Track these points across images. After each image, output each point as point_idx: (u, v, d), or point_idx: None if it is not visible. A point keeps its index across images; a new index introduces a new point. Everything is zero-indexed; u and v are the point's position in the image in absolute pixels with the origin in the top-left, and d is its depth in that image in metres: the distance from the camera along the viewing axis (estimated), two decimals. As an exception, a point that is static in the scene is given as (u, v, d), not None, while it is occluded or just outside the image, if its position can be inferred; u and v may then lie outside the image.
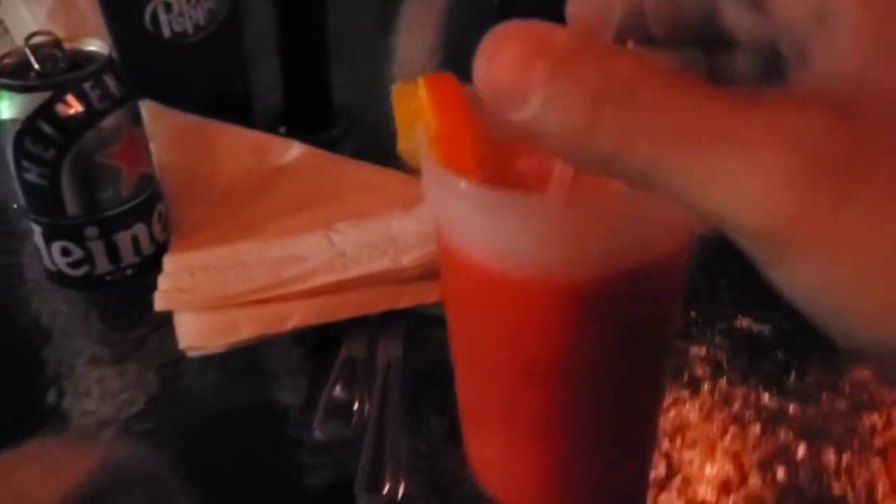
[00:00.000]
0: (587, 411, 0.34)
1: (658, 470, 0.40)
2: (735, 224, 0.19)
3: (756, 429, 0.41)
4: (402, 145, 0.33)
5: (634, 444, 0.37)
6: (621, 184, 0.20)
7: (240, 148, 0.57)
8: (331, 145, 0.63)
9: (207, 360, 0.47)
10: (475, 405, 0.36)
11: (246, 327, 0.46)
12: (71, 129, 0.46)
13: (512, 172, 0.35)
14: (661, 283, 0.32)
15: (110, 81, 0.47)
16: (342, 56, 0.68)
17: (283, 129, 0.66)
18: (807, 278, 0.18)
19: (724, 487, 0.39)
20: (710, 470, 0.40)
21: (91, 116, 0.46)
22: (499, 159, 0.34)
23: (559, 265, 0.29)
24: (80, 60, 0.47)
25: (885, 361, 0.19)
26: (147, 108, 0.58)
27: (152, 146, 0.55)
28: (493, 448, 0.37)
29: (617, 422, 0.35)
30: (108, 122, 0.47)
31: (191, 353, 0.46)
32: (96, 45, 0.48)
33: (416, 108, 0.32)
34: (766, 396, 0.43)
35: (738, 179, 0.18)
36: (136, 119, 0.49)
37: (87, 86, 0.46)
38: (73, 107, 0.45)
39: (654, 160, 0.19)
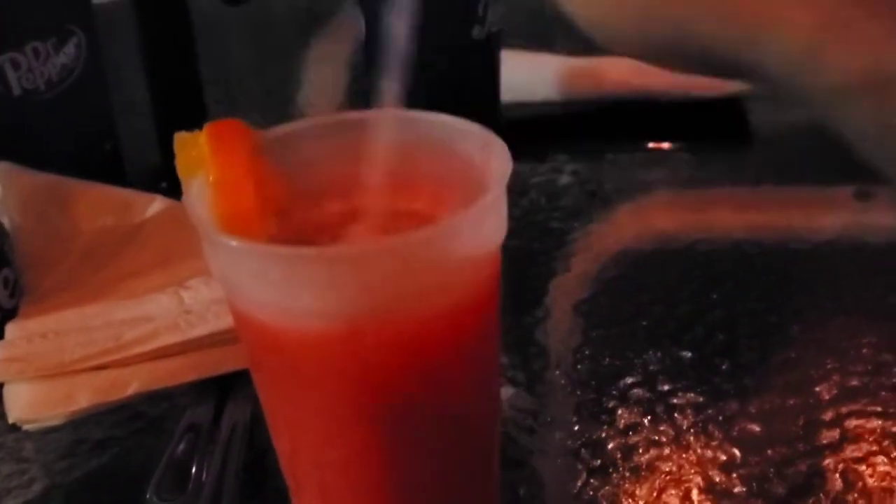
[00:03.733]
0: (404, 467, 0.32)
1: None
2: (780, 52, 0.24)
3: (625, 476, 0.39)
4: (185, 198, 0.31)
5: (470, 495, 0.35)
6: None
7: (100, 207, 0.55)
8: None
9: (46, 433, 0.44)
10: (290, 468, 0.34)
11: (82, 396, 0.43)
12: None
13: (318, 219, 0.33)
14: (462, 328, 0.30)
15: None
16: (221, 102, 0.66)
17: (164, 185, 0.63)
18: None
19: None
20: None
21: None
22: (303, 206, 0.33)
23: (345, 319, 0.27)
24: None
25: None
26: (2, 170, 0.55)
27: (4, 209, 0.53)
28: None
29: (443, 473, 0.32)
30: (-66, 188, 0.44)
31: (26, 427, 0.43)
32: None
33: (195, 157, 0.31)
34: (636, 440, 0.41)
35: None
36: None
37: None
38: None
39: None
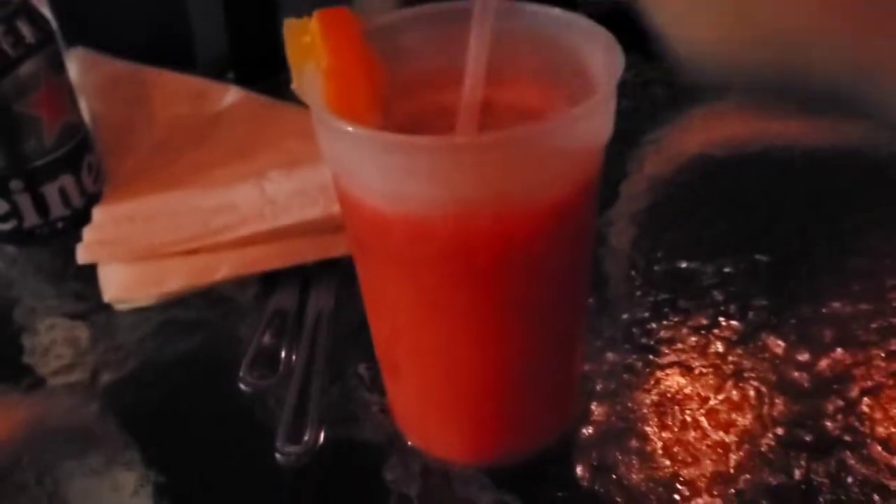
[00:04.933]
0: (499, 351, 0.33)
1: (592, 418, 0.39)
2: None
3: (689, 373, 0.40)
4: (297, 84, 0.31)
5: (554, 386, 0.36)
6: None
7: (175, 95, 0.56)
8: (277, 90, 0.61)
9: (138, 312, 0.46)
10: (386, 351, 0.35)
11: (173, 279, 0.45)
12: (-17, 78, 0.44)
13: (415, 111, 0.33)
14: (567, 219, 0.30)
15: (24, 27, 0.45)
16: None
17: (229, 75, 0.64)
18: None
19: (665, 440, 0.38)
20: (636, 414, 0.39)
21: (4, 64, 0.44)
22: (401, 98, 0.33)
23: (457, 206, 0.28)
24: (-10, 6, 0.45)
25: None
26: (78, 56, 0.56)
27: (83, 96, 0.54)
28: (407, 395, 0.36)
29: (532, 360, 0.34)
30: (25, 70, 0.45)
31: (118, 306, 0.45)
32: (9, -10, 0.46)
33: (306, 44, 0.31)
34: (701, 339, 0.42)
35: None
36: (57, 66, 0.48)
37: (-3, 32, 0.44)
38: (-17, 55, 0.44)
39: None
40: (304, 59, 0.31)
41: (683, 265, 0.46)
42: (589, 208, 0.31)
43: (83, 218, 0.50)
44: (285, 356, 0.42)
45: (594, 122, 0.29)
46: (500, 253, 0.29)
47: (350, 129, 0.28)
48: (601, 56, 0.30)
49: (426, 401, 0.35)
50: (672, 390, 0.40)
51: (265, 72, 0.65)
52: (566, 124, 0.27)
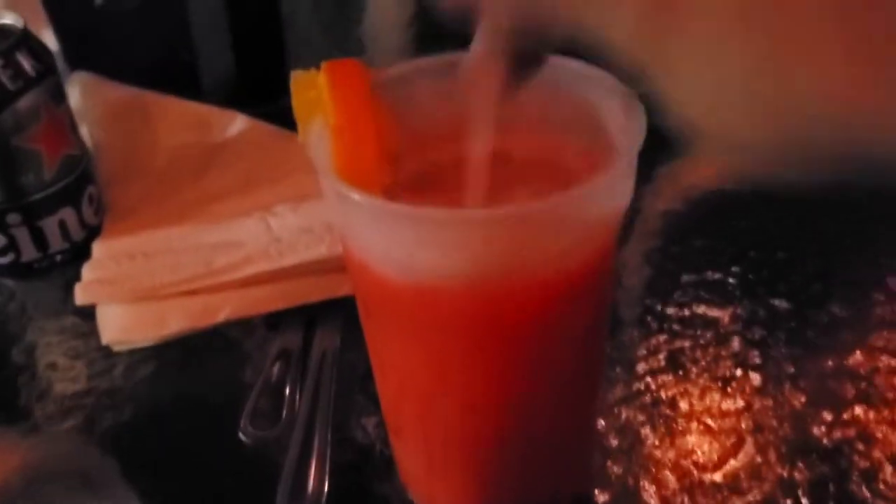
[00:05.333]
0: (509, 419, 0.31)
1: (597, 471, 0.37)
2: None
3: (708, 428, 0.39)
4: (303, 139, 0.30)
5: (566, 453, 0.35)
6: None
7: (179, 122, 0.55)
8: (285, 116, 0.60)
9: (138, 354, 0.45)
10: (393, 412, 0.34)
11: (174, 320, 0.43)
12: (-19, 112, 0.43)
13: (426, 164, 0.32)
14: (583, 287, 0.29)
15: (24, 59, 0.44)
16: (298, 22, 0.65)
17: (234, 99, 0.62)
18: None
19: (670, 492, 0.36)
20: (654, 473, 0.37)
21: (3, 98, 0.43)
22: (411, 151, 0.32)
23: (462, 277, 0.27)
24: (-11, 37, 0.44)
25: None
26: (80, 80, 0.55)
27: (85, 122, 0.52)
28: (412, 455, 0.35)
29: (542, 425, 0.32)
30: (24, 104, 0.44)
31: (116, 348, 0.44)
32: (9, 19, 0.45)
33: (313, 98, 0.29)
34: (719, 395, 0.41)
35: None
36: (58, 97, 0.46)
37: (-5, 66, 0.43)
38: (-19, 89, 0.42)
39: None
40: (310, 113, 0.30)
41: (700, 310, 0.45)
42: (605, 274, 0.30)
43: (83, 251, 0.48)
44: (288, 403, 0.41)
45: (615, 189, 0.27)
46: (512, 322, 0.28)
47: (356, 196, 0.26)
48: (621, 115, 0.29)
49: (432, 462, 0.34)
50: (688, 447, 0.38)
51: (271, 97, 0.64)
52: (585, 195, 0.26)
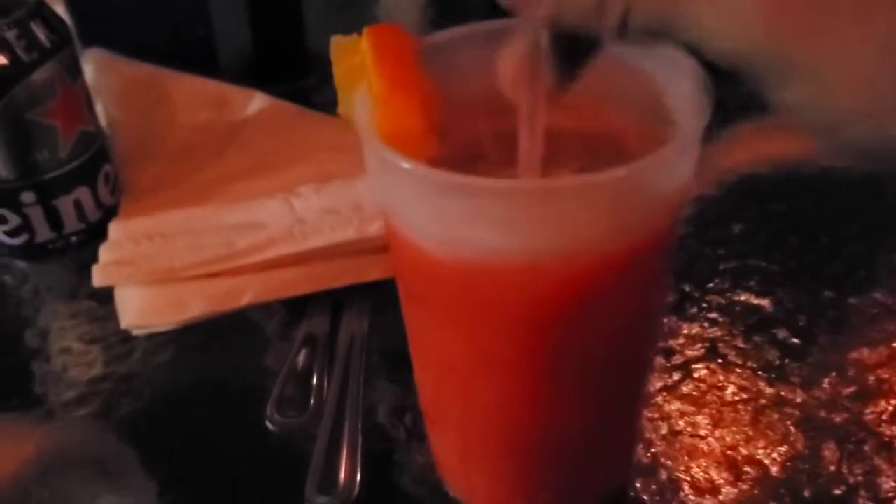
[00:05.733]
0: (554, 410, 0.30)
1: (639, 462, 0.36)
2: (732, 49, 0.22)
3: (751, 417, 0.37)
4: (343, 110, 0.28)
5: (610, 445, 0.33)
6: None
7: (197, 100, 0.53)
8: (304, 95, 0.58)
9: (157, 338, 0.43)
10: (431, 401, 0.32)
11: (195, 304, 0.42)
12: (-6, 84, 0.41)
13: (472, 138, 0.30)
14: (641, 269, 0.27)
15: (38, 30, 0.42)
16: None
17: (251, 78, 0.60)
18: (796, 94, 0.21)
19: (712, 484, 0.35)
20: (697, 464, 0.36)
21: (17, 70, 0.41)
22: (458, 123, 0.30)
23: (517, 255, 0.25)
24: (3, 6, 0.42)
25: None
26: (96, 58, 0.53)
27: (100, 100, 0.51)
28: (452, 449, 0.33)
29: (589, 420, 0.31)
30: (39, 76, 0.42)
31: (135, 332, 0.42)
32: (24, -11, 0.43)
33: (357, 65, 0.28)
34: (763, 381, 0.39)
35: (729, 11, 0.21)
36: (73, 71, 0.44)
37: (10, 35, 0.41)
38: (-5, 59, 0.41)
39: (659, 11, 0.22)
40: (353, 81, 0.28)
41: (740, 298, 0.43)
42: (666, 254, 0.28)
43: (99, 231, 0.47)
44: (316, 390, 0.39)
45: (681, 165, 0.26)
46: (566, 306, 0.26)
47: (406, 164, 0.25)
48: (686, 89, 0.27)
49: (471, 454, 0.32)
50: (731, 438, 0.37)
51: (290, 75, 0.62)
52: (653, 167, 0.24)
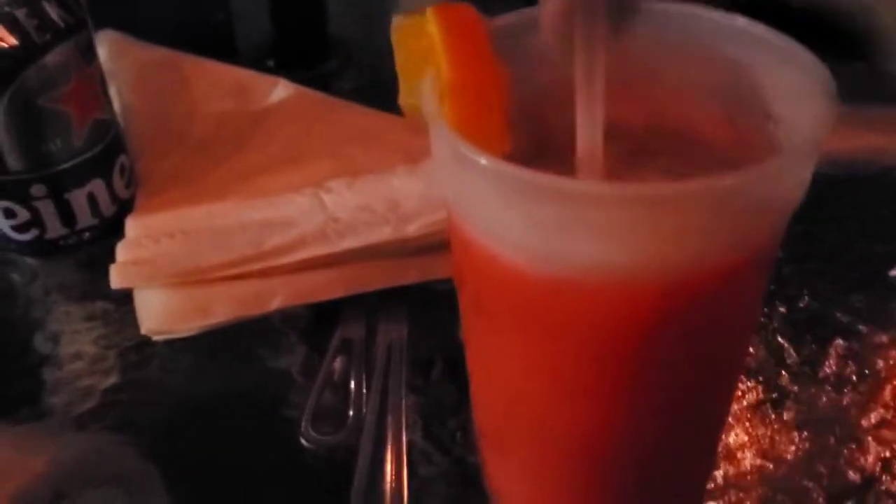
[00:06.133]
0: (634, 435, 0.27)
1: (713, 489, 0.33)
2: None
3: (832, 439, 0.35)
4: (406, 99, 0.25)
5: (690, 470, 0.30)
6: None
7: (217, 88, 0.49)
8: (325, 81, 0.55)
9: (177, 343, 0.40)
10: (492, 423, 0.29)
11: (221, 308, 0.38)
12: (4, 67, 0.38)
13: (541, 133, 0.27)
14: (742, 285, 0.24)
15: (52, 9, 0.39)
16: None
17: (270, 63, 0.57)
18: None
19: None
20: (769, 490, 0.33)
21: (29, 51, 0.38)
22: (525, 117, 0.27)
23: (617, 269, 0.22)
24: (14, -17, 0.39)
25: None
26: (109, 40, 0.50)
27: (113, 87, 0.47)
28: (515, 473, 0.30)
29: (670, 446, 0.28)
30: (52, 59, 0.39)
31: (156, 338, 0.39)
32: (35, -35, 0.40)
33: (423, 49, 0.24)
34: (848, 399, 0.36)
35: None
36: (88, 55, 0.41)
37: (20, 14, 0.37)
38: (5, 40, 0.37)
39: None
40: (418, 67, 0.25)
41: (814, 303, 0.40)
42: (765, 273, 0.25)
43: (114, 227, 0.43)
44: (354, 401, 0.36)
45: (799, 171, 0.22)
46: (664, 323, 0.23)
47: (487, 162, 0.22)
48: (800, 87, 0.24)
49: (541, 480, 0.29)
50: (808, 450, 0.34)
51: (309, 60, 0.59)
52: (772, 174, 0.21)
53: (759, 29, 0.25)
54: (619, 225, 0.21)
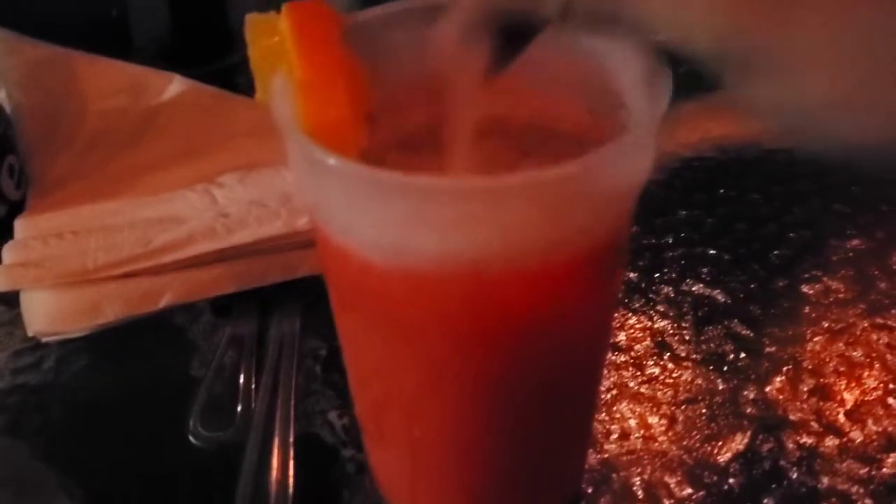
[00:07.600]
0: (507, 421, 0.28)
1: (591, 469, 0.34)
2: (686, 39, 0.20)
3: (704, 413, 0.36)
4: (261, 95, 0.25)
5: (565, 454, 0.31)
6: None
7: (111, 85, 0.49)
8: (227, 76, 0.55)
9: (72, 344, 0.39)
10: (371, 416, 0.30)
11: (110, 307, 0.38)
12: None
13: (402, 129, 0.28)
14: (593, 271, 0.25)
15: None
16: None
17: (168, 59, 0.57)
18: (759, 88, 0.20)
19: (667, 490, 0.33)
20: (650, 467, 0.34)
21: None
22: (385, 112, 0.27)
23: (466, 261, 0.22)
24: None
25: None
26: (-3, 38, 0.49)
27: (4, 85, 0.46)
28: (395, 463, 0.30)
29: (543, 429, 0.29)
30: (-73, 60, 0.38)
31: (45, 339, 0.39)
32: None
33: (274, 46, 0.25)
34: (714, 375, 0.37)
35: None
36: (-32, 54, 0.41)
37: None
38: None
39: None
40: (271, 65, 0.25)
41: (689, 288, 0.42)
42: (617, 256, 0.26)
43: (4, 230, 0.43)
44: (243, 397, 0.36)
45: (638, 156, 0.23)
46: (520, 312, 0.24)
47: (335, 162, 0.22)
48: (641, 77, 0.25)
49: (418, 471, 0.30)
50: (684, 438, 0.35)
51: (211, 55, 0.58)
52: (608, 161, 0.22)
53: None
54: (463, 218, 0.22)
